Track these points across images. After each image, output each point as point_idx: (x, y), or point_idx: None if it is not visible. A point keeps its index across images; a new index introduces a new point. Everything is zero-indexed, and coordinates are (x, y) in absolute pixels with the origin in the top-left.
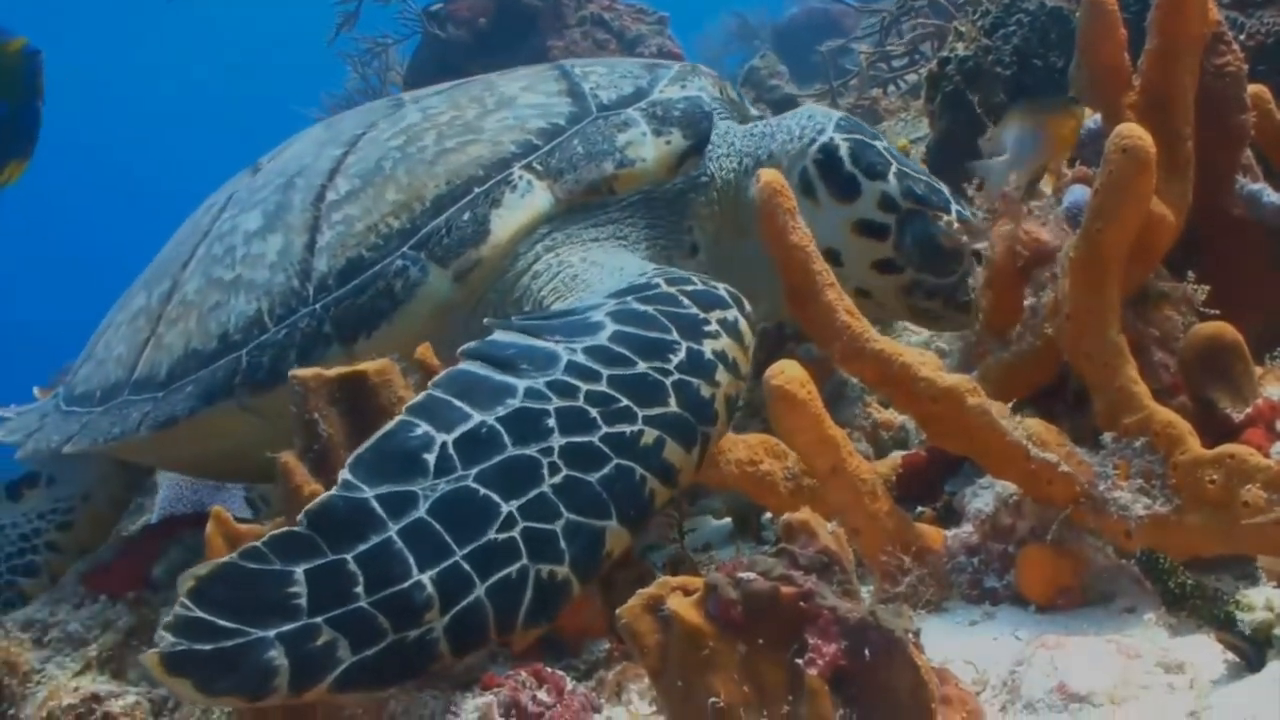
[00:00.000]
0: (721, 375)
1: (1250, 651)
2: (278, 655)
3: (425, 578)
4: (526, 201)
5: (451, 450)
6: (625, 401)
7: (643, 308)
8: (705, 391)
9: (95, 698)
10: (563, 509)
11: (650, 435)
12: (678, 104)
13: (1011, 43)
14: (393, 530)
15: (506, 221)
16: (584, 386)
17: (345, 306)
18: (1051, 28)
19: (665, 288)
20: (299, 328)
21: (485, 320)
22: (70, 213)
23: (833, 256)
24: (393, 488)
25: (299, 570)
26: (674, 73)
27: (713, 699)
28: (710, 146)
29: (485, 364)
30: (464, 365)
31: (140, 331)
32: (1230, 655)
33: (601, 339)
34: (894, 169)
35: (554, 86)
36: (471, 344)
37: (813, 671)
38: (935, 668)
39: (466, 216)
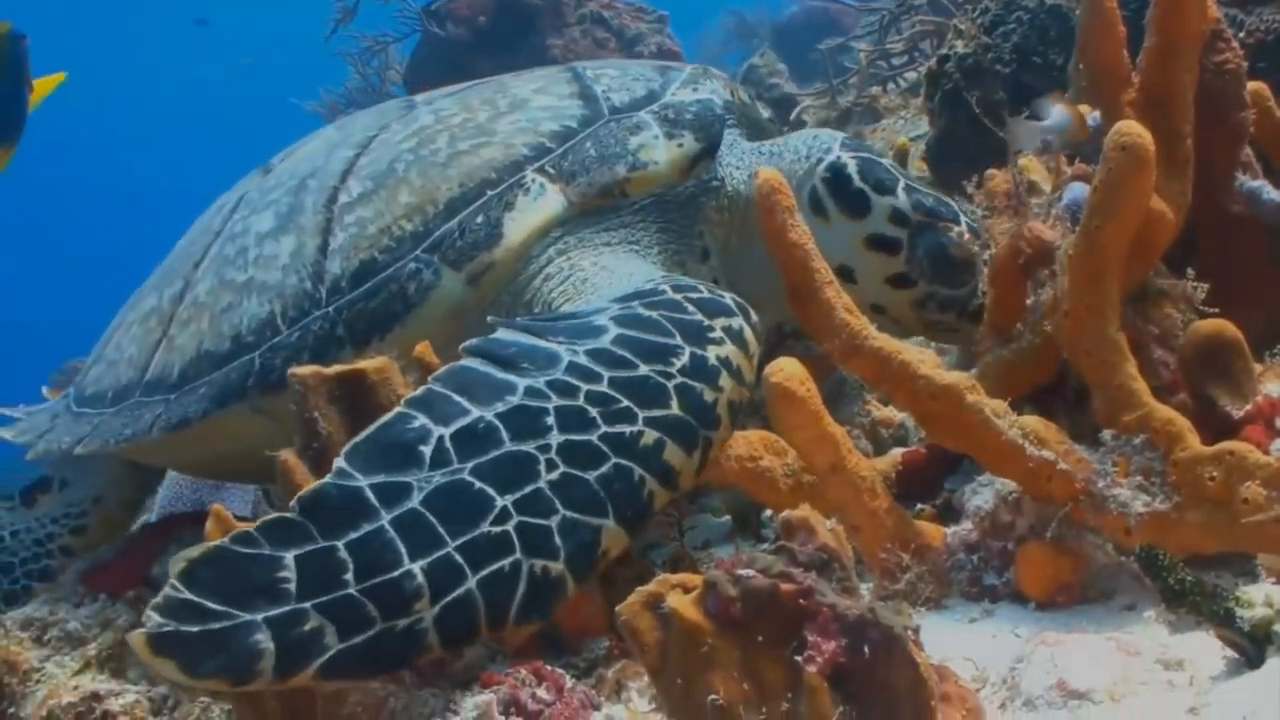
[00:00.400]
0: (725, 381)
1: (1250, 648)
2: (264, 639)
3: (416, 567)
4: (539, 204)
5: (448, 444)
6: (626, 402)
7: (647, 313)
8: (708, 396)
9: (95, 696)
10: (559, 505)
11: (650, 436)
12: (690, 107)
13: (1011, 40)
14: (385, 519)
15: (519, 224)
16: (585, 387)
17: (358, 309)
18: (1051, 25)
19: (671, 294)
20: (312, 330)
21: (489, 318)
22: (70, 213)
23: (846, 274)
24: (387, 478)
25: (289, 556)
26: (686, 75)
27: (712, 696)
28: (721, 152)
29: (486, 361)
30: (465, 362)
31: (152, 332)
32: (1230, 652)
33: (604, 342)
34: (902, 184)
35: (566, 89)
36: (474, 341)
37: (812, 669)
38: (935, 665)
39: (479, 219)
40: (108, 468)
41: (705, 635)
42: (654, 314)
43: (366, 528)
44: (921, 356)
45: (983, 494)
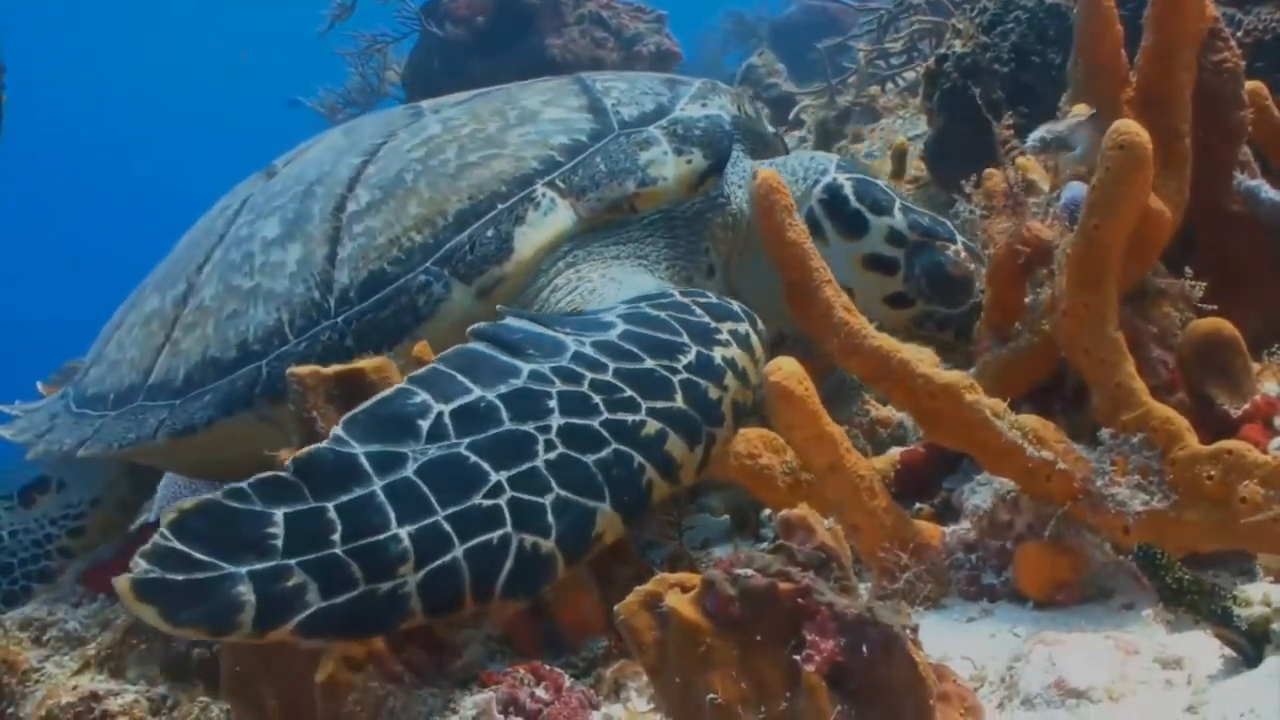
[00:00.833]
0: (730, 380)
1: (1248, 647)
2: (246, 591)
3: (403, 532)
4: (550, 219)
5: (447, 420)
6: (630, 392)
7: (655, 312)
8: (713, 393)
9: (94, 696)
10: (554, 484)
11: (653, 426)
12: (699, 123)
13: (1009, 40)
14: (377, 485)
15: (530, 239)
16: (589, 375)
17: (367, 320)
18: (1049, 24)
19: (679, 298)
20: (320, 340)
21: (499, 307)
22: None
23: None
24: (383, 447)
25: (279, 513)
26: (695, 90)
27: (711, 696)
28: (726, 169)
29: (493, 345)
30: (472, 344)
31: (154, 335)
32: (1228, 651)
33: (611, 336)
34: (898, 204)
35: (575, 101)
36: (481, 325)
37: (810, 668)
38: (933, 664)
39: (490, 233)
40: (107, 470)
41: (704, 634)
42: (662, 314)
43: (358, 491)
44: (920, 355)
45: (981, 493)
